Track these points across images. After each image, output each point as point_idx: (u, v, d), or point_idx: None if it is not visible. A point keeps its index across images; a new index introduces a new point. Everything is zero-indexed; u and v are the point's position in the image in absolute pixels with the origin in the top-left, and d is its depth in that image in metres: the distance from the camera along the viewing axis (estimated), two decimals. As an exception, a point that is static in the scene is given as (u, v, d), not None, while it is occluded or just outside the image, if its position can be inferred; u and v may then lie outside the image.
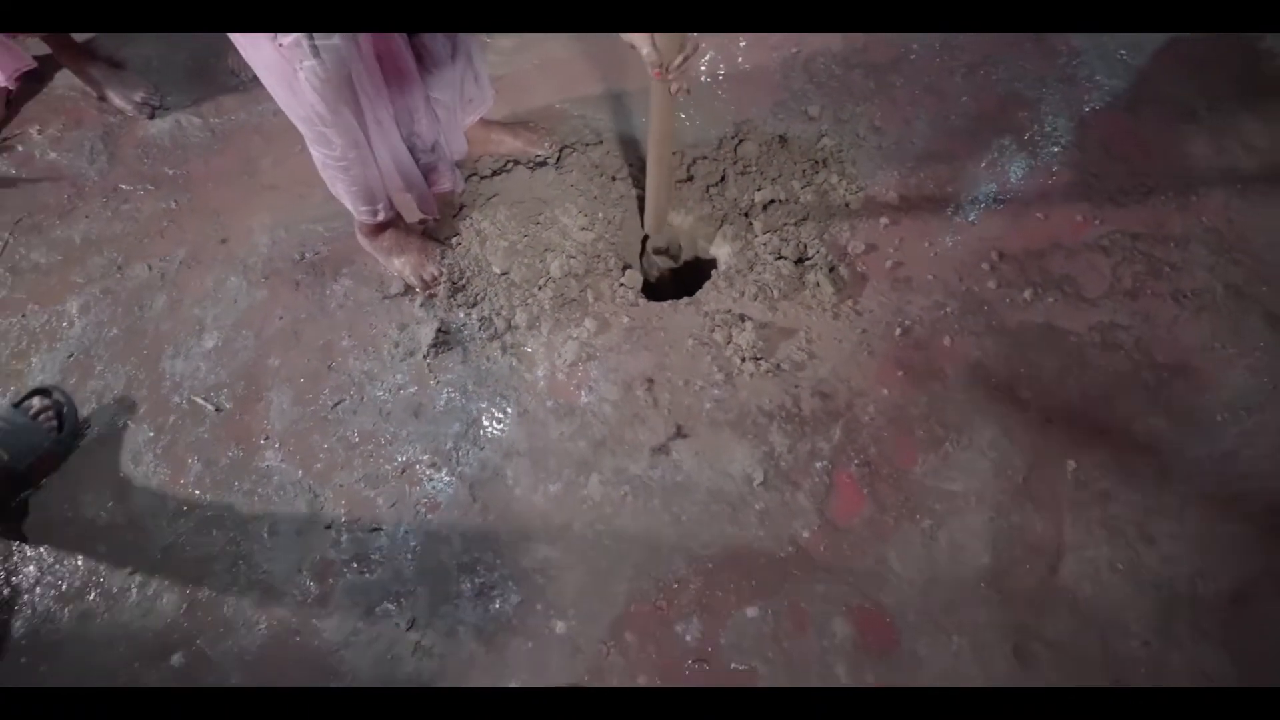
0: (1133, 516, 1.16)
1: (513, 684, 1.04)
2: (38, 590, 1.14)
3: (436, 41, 1.14)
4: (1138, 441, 1.22)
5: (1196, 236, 1.42)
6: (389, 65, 1.07)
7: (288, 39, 0.92)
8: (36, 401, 1.23)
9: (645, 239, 1.49)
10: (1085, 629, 1.08)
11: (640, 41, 0.94)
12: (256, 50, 0.96)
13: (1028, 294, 1.37)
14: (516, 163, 1.51)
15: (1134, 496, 1.17)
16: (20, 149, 1.62)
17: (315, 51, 0.94)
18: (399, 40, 1.07)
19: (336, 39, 0.95)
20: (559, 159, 1.52)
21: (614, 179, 1.52)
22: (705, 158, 1.55)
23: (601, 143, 1.56)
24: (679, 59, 0.96)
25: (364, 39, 1.01)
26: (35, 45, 1.64)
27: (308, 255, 1.43)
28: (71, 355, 1.33)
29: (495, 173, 1.50)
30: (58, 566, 1.16)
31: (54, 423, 1.22)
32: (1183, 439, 1.22)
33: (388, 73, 1.08)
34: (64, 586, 1.14)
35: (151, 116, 1.62)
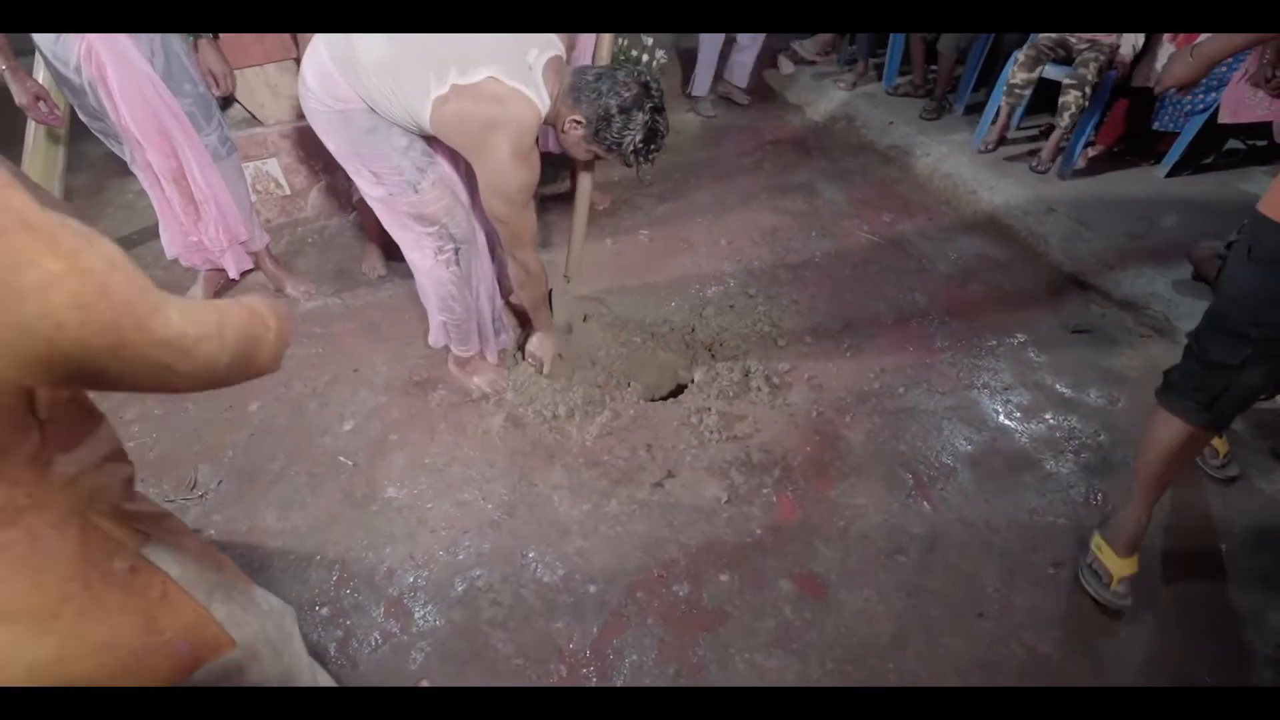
0: (979, 518, 1.71)
1: (558, 626, 1.49)
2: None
3: (492, 239, 1.94)
4: (970, 473, 1.82)
5: (1003, 355, 2.17)
6: (486, 262, 1.87)
7: (443, 256, 1.69)
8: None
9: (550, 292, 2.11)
10: (955, 582, 1.57)
11: (534, 347, 1.88)
12: (421, 259, 1.72)
13: (900, 389, 2.05)
14: (556, 321, 2.27)
15: (975, 507, 1.74)
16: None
17: (456, 260, 1.72)
18: (484, 245, 1.86)
19: (472, 251, 1.74)
20: (570, 328, 2.27)
21: (613, 335, 2.27)
22: (681, 321, 2.33)
23: (599, 317, 2.34)
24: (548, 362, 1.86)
25: (483, 246, 1.81)
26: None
27: (414, 376, 2.11)
28: (253, 433, 1.93)
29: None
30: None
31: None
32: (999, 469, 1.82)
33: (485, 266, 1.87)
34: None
35: (309, 300, 2.41)
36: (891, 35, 3.71)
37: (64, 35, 1.69)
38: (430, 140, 1.57)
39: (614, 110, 1.44)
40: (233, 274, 2.27)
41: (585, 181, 1.81)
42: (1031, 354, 2.20)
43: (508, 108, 1.40)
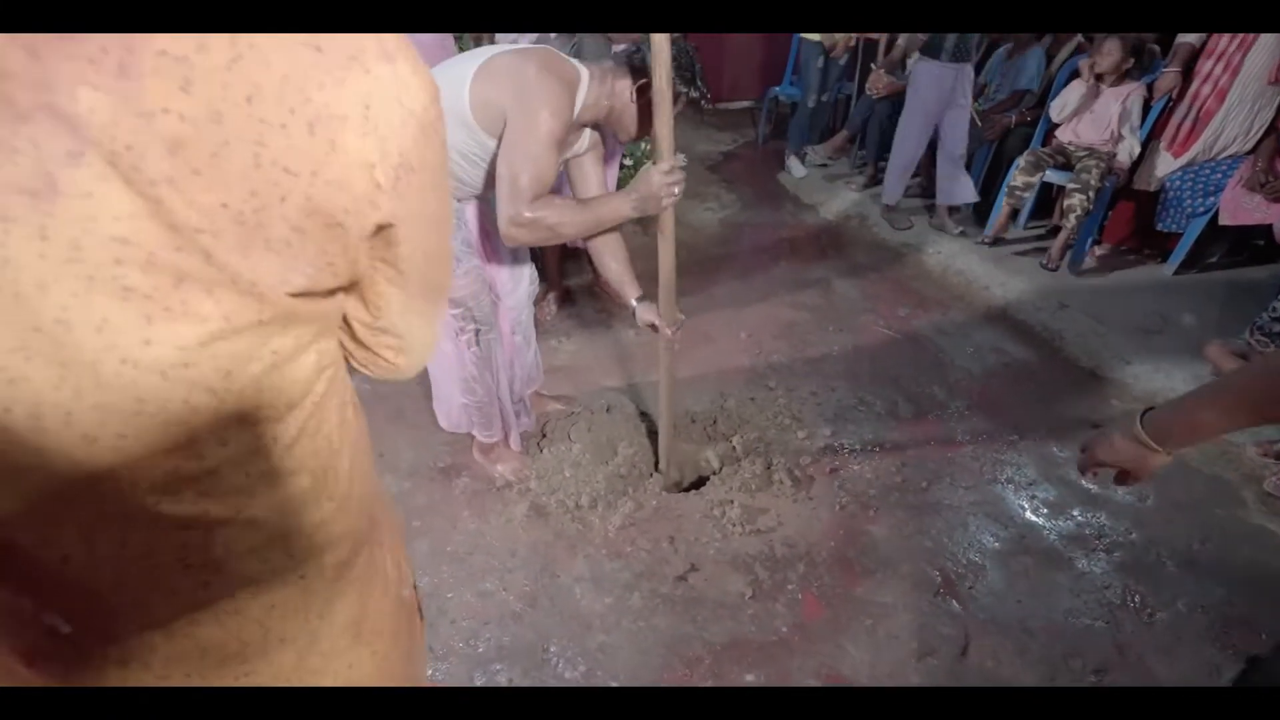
0: (1012, 619, 1.66)
1: (580, 728, 1.44)
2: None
3: (517, 336, 2.01)
4: (1000, 572, 1.78)
5: (1026, 449, 2.16)
6: (508, 348, 1.94)
7: (464, 337, 1.77)
8: None
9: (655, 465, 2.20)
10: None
11: (653, 316, 1.77)
12: (443, 340, 1.81)
13: (924, 483, 2.05)
14: (573, 412, 2.31)
15: (1007, 608, 1.69)
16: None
17: (477, 341, 1.79)
18: (508, 333, 1.94)
19: (492, 334, 1.81)
20: (593, 416, 2.33)
21: (636, 427, 2.31)
22: (703, 412, 2.36)
23: (622, 408, 2.39)
24: (676, 326, 1.78)
25: (505, 333, 1.89)
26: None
27: (438, 462, 2.14)
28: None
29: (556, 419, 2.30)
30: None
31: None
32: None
33: (506, 353, 1.94)
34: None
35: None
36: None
37: None
38: (477, 235, 1.67)
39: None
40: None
41: (667, 221, 1.64)
42: (1054, 448, 2.19)
43: (562, 63, 1.46)
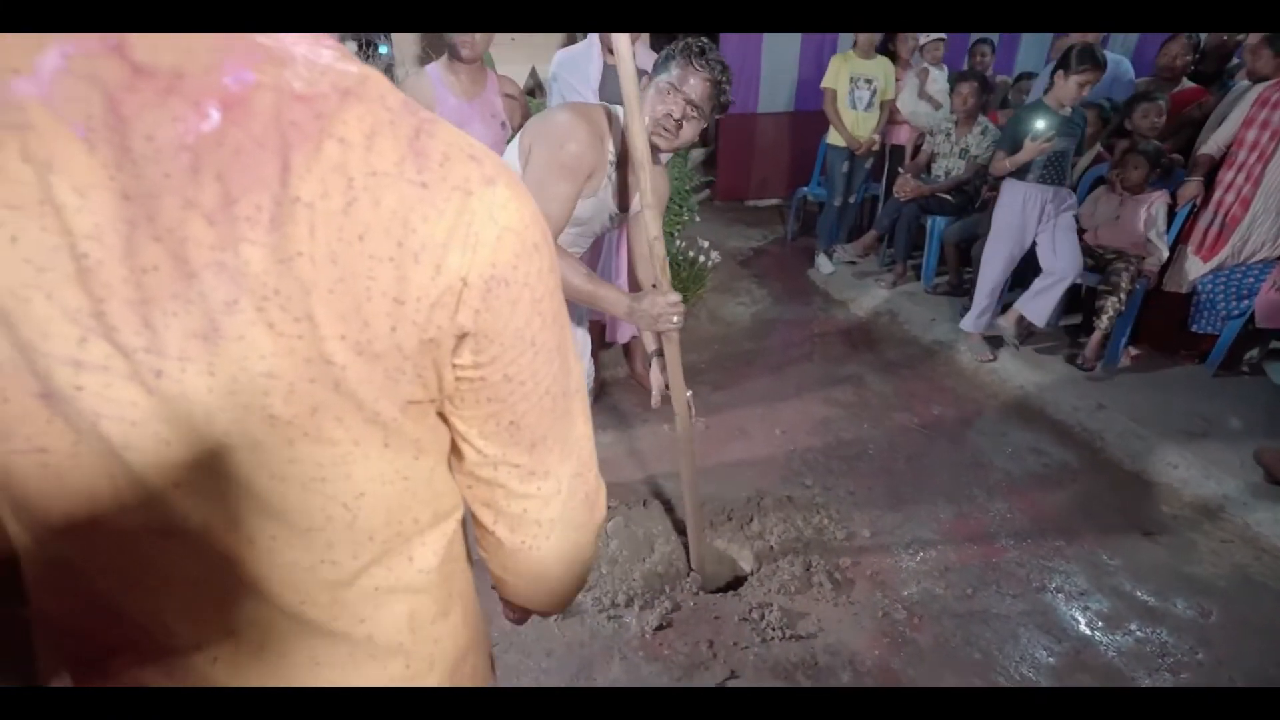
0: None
1: None
2: None
3: None
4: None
5: (1074, 557, 2.10)
6: None
7: None
8: None
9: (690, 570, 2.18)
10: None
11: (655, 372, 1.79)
12: None
13: (969, 590, 1.99)
14: (610, 506, 2.32)
15: None
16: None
17: None
18: None
19: None
20: (629, 511, 2.33)
21: (673, 523, 2.31)
22: (738, 508, 2.36)
23: (659, 503, 2.40)
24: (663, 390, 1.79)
25: None
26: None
27: (475, 553, 2.14)
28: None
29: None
30: None
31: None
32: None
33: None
34: None
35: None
36: (927, 240, 4.04)
37: None
38: None
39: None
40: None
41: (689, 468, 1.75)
42: (1105, 556, 2.13)
43: (588, 106, 1.55)
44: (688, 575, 2.07)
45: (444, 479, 0.53)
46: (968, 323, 3.41)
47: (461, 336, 0.45)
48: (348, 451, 0.44)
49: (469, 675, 0.61)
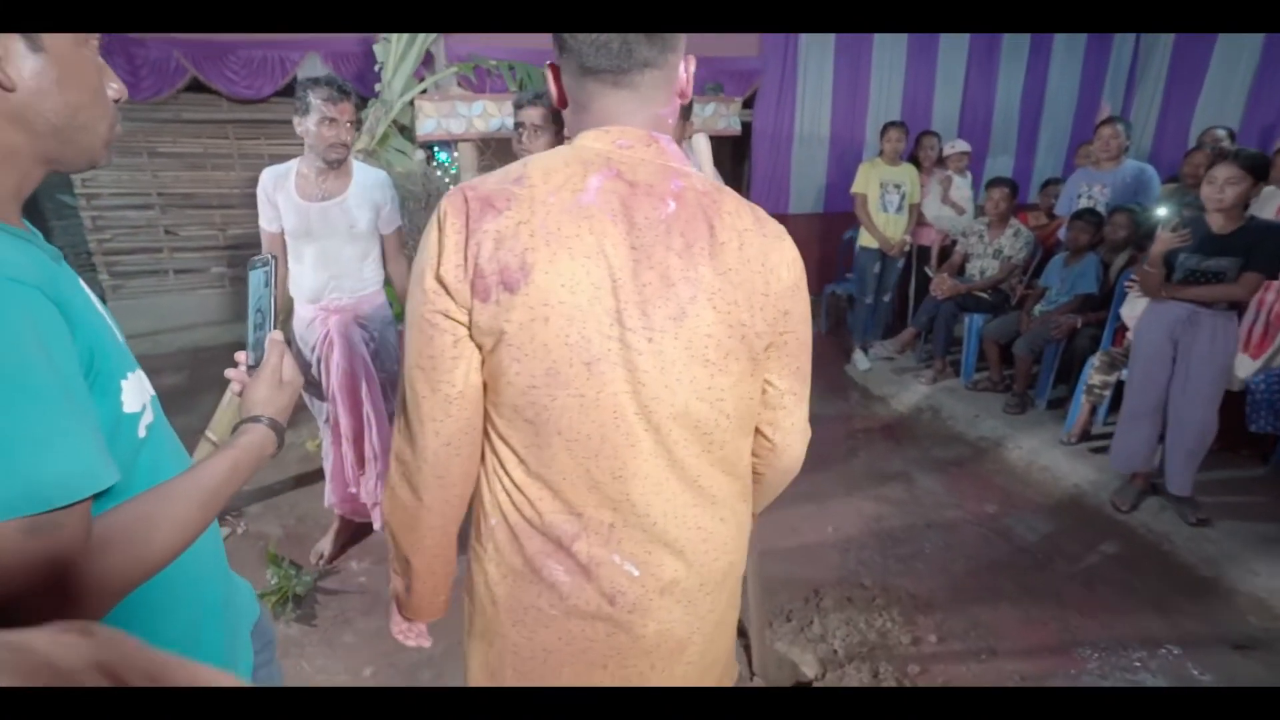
0: None
1: None
2: None
3: None
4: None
5: (1159, 670, 1.99)
6: None
7: None
8: None
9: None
10: None
11: None
12: None
13: (1050, 706, 1.87)
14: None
15: None
16: (341, 571, 2.47)
17: None
18: None
19: None
20: None
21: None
22: (797, 610, 2.28)
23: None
24: None
25: None
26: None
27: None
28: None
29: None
30: None
31: None
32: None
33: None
34: None
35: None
36: (965, 337, 4.09)
37: (314, 323, 2.20)
38: None
39: None
40: (377, 526, 2.47)
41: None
42: (1194, 671, 2.01)
43: None
44: (750, 680, 1.99)
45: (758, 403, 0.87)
46: (1116, 463, 2.94)
47: (785, 314, 0.81)
48: (737, 380, 0.79)
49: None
